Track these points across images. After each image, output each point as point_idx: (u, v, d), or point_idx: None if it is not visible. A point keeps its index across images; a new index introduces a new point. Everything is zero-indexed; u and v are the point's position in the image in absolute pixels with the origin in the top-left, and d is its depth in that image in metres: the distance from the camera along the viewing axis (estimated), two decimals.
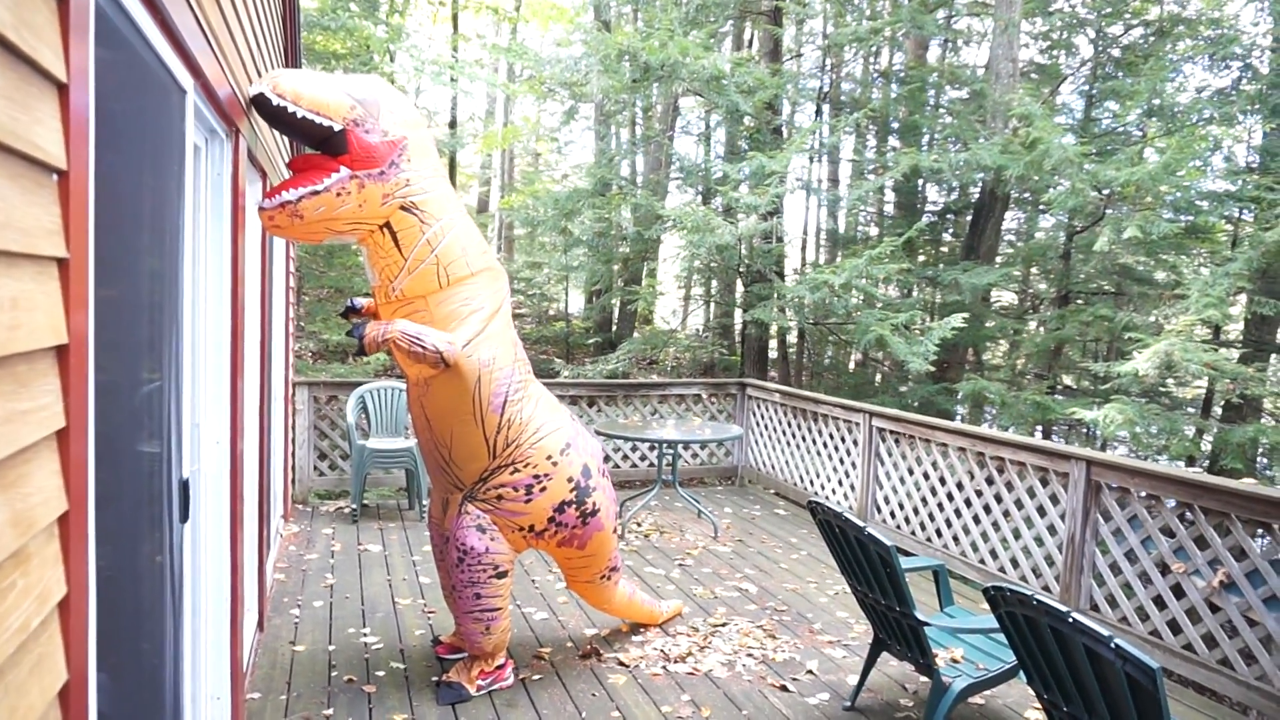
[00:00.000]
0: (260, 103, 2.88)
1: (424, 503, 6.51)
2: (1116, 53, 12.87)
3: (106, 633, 1.53)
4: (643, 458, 7.75)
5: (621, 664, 4.05)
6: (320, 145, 3.05)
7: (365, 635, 4.29)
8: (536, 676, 3.89)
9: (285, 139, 5.44)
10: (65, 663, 1.23)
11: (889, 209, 16.02)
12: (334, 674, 3.85)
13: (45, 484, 1.18)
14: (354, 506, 6.35)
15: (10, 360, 1.07)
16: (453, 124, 16.21)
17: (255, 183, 4.06)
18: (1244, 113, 10.27)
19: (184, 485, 2.32)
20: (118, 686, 1.70)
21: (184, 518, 2.34)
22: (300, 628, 4.35)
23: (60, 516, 1.23)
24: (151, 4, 1.76)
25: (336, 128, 2.97)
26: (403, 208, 3.18)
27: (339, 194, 3.00)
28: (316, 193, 2.96)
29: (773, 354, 14.65)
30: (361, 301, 3.62)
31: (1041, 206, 12.72)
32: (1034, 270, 14.15)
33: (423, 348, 3.19)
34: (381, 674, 3.87)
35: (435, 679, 3.81)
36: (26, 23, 1.09)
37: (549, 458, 3.61)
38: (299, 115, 2.89)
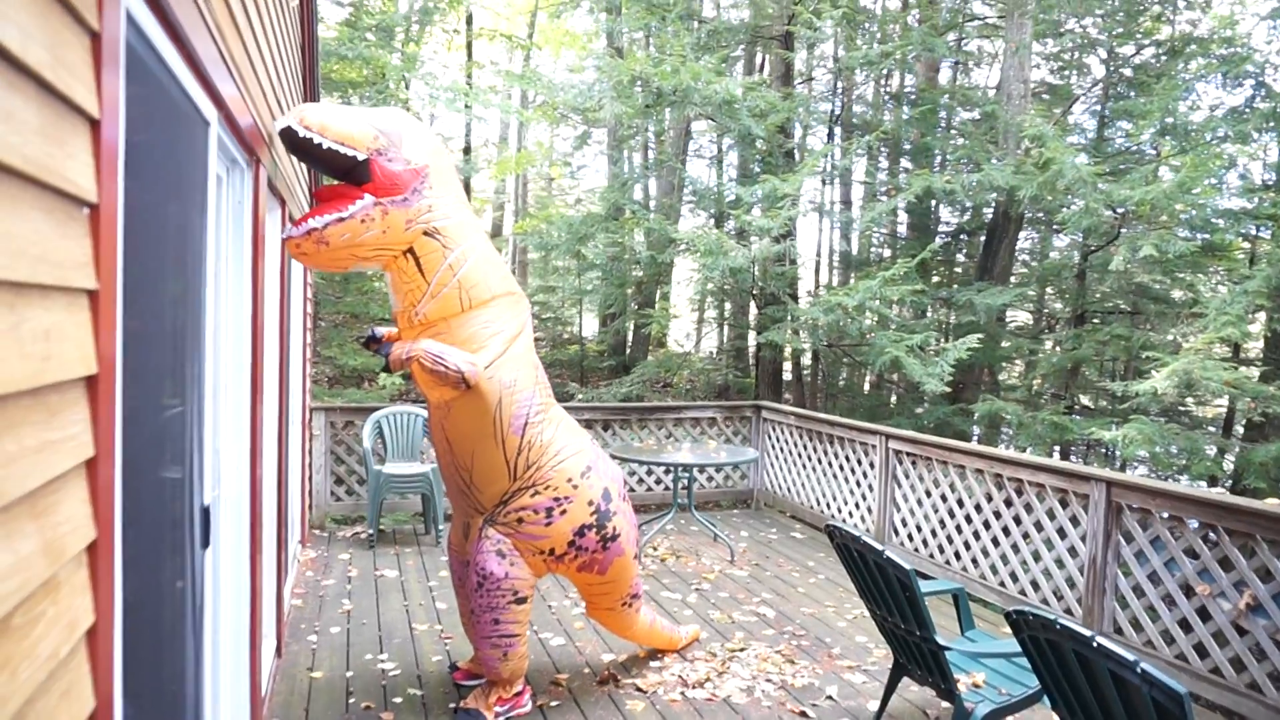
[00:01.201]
0: (287, 135, 2.94)
1: (440, 528, 6.51)
2: (1128, 72, 12.88)
3: (130, 659, 1.54)
4: (658, 481, 7.74)
5: (639, 690, 4.02)
6: (344, 176, 3.12)
7: (383, 661, 4.28)
8: (554, 703, 3.87)
9: (305, 168, 5.51)
10: (93, 690, 1.24)
11: (902, 230, 16.03)
12: (351, 700, 3.84)
13: (74, 512, 1.19)
14: (370, 531, 6.35)
15: (42, 391, 1.09)
16: (467, 150, 16.39)
17: (274, 211, 4.11)
18: (1259, 130, 10.22)
19: (205, 511, 2.34)
20: (140, 713, 1.71)
21: (205, 544, 2.36)
22: (318, 654, 4.35)
23: (89, 545, 1.24)
24: (176, 36, 1.80)
25: (361, 157, 3.04)
26: (425, 233, 3.24)
27: (364, 220, 3.06)
28: (342, 219, 3.02)
29: (787, 376, 14.63)
30: (382, 330, 3.64)
31: (1055, 226, 12.70)
32: (1049, 290, 14.09)
33: (445, 367, 3.22)
34: (399, 700, 3.85)
35: (453, 705, 3.79)
36: (62, 60, 1.12)
37: (569, 480, 3.61)
38: (325, 146, 2.96)
